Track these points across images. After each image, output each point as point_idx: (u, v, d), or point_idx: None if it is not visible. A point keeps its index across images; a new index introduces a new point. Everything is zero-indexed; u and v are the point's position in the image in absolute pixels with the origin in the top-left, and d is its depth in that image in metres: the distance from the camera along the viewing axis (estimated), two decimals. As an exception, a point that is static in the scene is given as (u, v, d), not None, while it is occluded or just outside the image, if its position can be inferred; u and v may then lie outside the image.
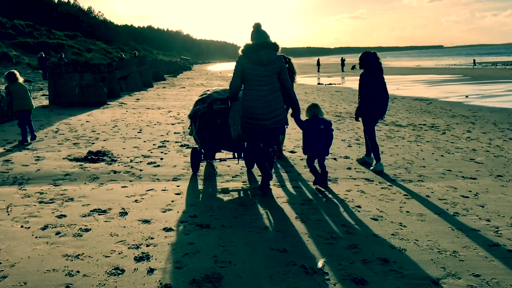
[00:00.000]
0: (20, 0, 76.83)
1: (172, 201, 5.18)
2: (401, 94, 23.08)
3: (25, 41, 50.64)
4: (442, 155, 8.07)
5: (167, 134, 9.64)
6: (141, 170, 6.61)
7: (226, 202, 5.21)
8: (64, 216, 4.62)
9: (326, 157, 6.00)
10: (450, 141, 9.53)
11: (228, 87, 5.56)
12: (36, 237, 4.06)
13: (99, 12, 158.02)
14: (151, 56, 76.19)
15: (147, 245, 3.89)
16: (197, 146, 6.55)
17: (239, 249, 3.84)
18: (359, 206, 5.09)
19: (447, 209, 5.08)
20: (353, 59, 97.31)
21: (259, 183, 5.78)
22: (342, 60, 55.57)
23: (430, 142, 9.37)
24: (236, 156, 6.59)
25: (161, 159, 7.36)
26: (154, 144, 8.53)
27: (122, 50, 66.72)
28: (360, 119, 7.02)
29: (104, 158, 7.31)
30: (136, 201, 5.18)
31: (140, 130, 10.18)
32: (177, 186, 5.87)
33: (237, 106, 5.64)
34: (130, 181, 6.08)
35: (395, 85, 29.93)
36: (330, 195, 5.53)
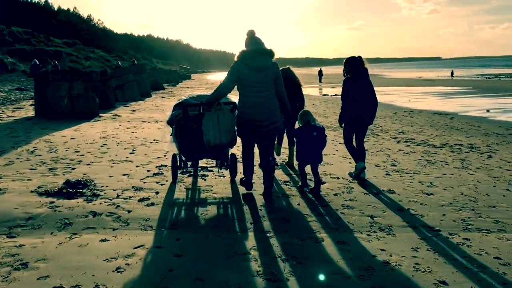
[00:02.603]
0: (18, 7, 75.65)
1: (170, 271, 3.56)
2: (416, 107, 21.55)
3: (22, 48, 49.21)
4: (507, 189, 6.48)
5: (164, 156, 8.02)
6: (129, 212, 5.00)
7: (247, 272, 3.59)
8: (4, 303, 3.02)
9: (320, 164, 6.03)
10: (505, 168, 7.94)
11: (217, 89, 5.36)
12: None
13: (99, 20, 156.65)
14: (150, 65, 74.74)
15: None
16: (177, 152, 6.30)
17: None
18: (444, 283, 3.48)
19: None
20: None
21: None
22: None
23: (482, 170, 7.78)
24: (219, 164, 6.39)
25: (157, 193, 5.76)
26: (148, 171, 6.92)
27: (121, 59, 65.07)
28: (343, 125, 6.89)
29: (83, 191, 5.71)
30: (118, 269, 3.57)
31: (133, 150, 8.57)
32: (177, 239, 4.26)
33: (211, 113, 5.39)
34: (114, 229, 4.47)
35: (406, 97, 28.48)
36: (393, 258, 3.93)
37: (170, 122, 6.15)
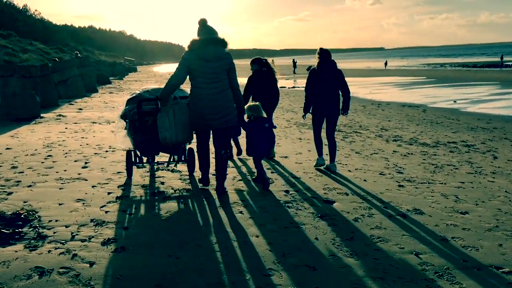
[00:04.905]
0: None
1: None
2: (382, 99, 20.90)
3: None
4: (544, 201, 5.52)
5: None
6: (91, 265, 3.54)
7: None
8: None
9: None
10: (520, 171, 7.05)
11: (168, 81, 5.07)
12: None
13: (36, 10, 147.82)
14: (93, 57, 71.06)
15: None
16: (131, 148, 6.02)
17: None
18: None
19: None
20: (303, 60, 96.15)
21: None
22: (294, 62, 55.35)
23: (499, 175, 6.83)
24: (176, 159, 6.09)
25: (126, 228, 4.33)
26: (109, 193, 5.42)
27: (61, 51, 61.19)
28: (306, 116, 6.95)
29: (24, 230, 4.19)
30: None
31: (86, 162, 6.98)
32: (170, 315, 2.89)
33: (166, 107, 5.22)
34: (72, 301, 3.04)
35: (365, 89, 28.00)
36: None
37: (123, 117, 5.87)
